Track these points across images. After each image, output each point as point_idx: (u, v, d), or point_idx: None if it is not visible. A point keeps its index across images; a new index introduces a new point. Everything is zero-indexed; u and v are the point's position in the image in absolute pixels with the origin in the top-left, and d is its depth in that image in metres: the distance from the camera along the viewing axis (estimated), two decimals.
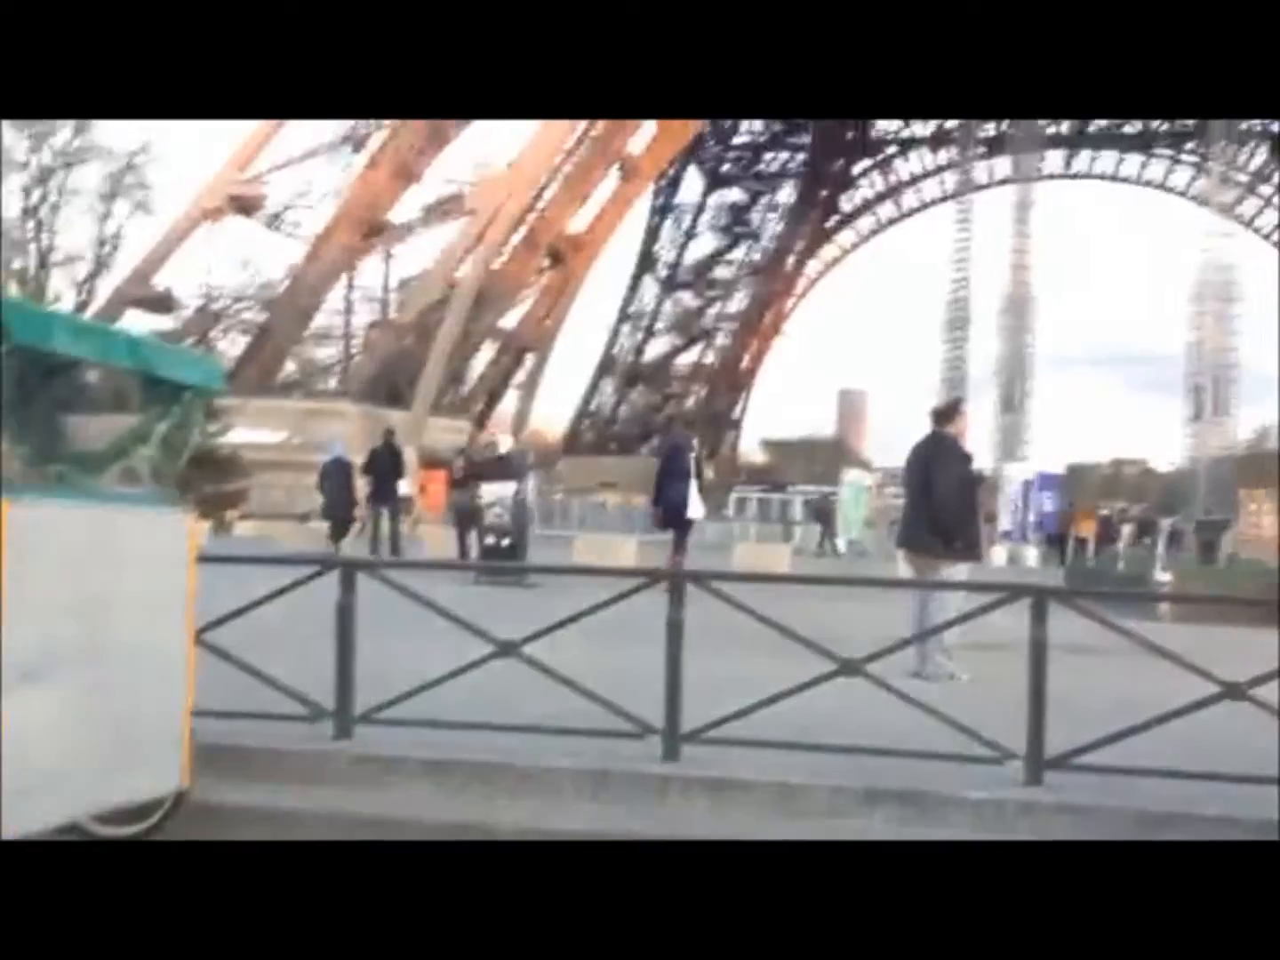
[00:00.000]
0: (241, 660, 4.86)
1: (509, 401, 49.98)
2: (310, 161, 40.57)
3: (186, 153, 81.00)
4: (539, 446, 66.47)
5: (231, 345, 41.59)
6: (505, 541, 13.75)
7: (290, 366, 41.96)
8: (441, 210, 40.02)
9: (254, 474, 29.19)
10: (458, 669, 4.91)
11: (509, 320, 45.42)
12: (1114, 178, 68.70)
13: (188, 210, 41.12)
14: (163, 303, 40.94)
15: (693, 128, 51.89)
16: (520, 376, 49.05)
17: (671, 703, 4.70)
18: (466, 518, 14.56)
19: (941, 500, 7.27)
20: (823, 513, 30.55)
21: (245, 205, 40.89)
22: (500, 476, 14.34)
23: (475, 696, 4.92)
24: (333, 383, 41.01)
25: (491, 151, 39.80)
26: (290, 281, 40.65)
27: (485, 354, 45.91)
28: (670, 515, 12.65)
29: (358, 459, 17.19)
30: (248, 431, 30.53)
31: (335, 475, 16.26)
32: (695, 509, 12.62)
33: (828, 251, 70.20)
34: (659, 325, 65.55)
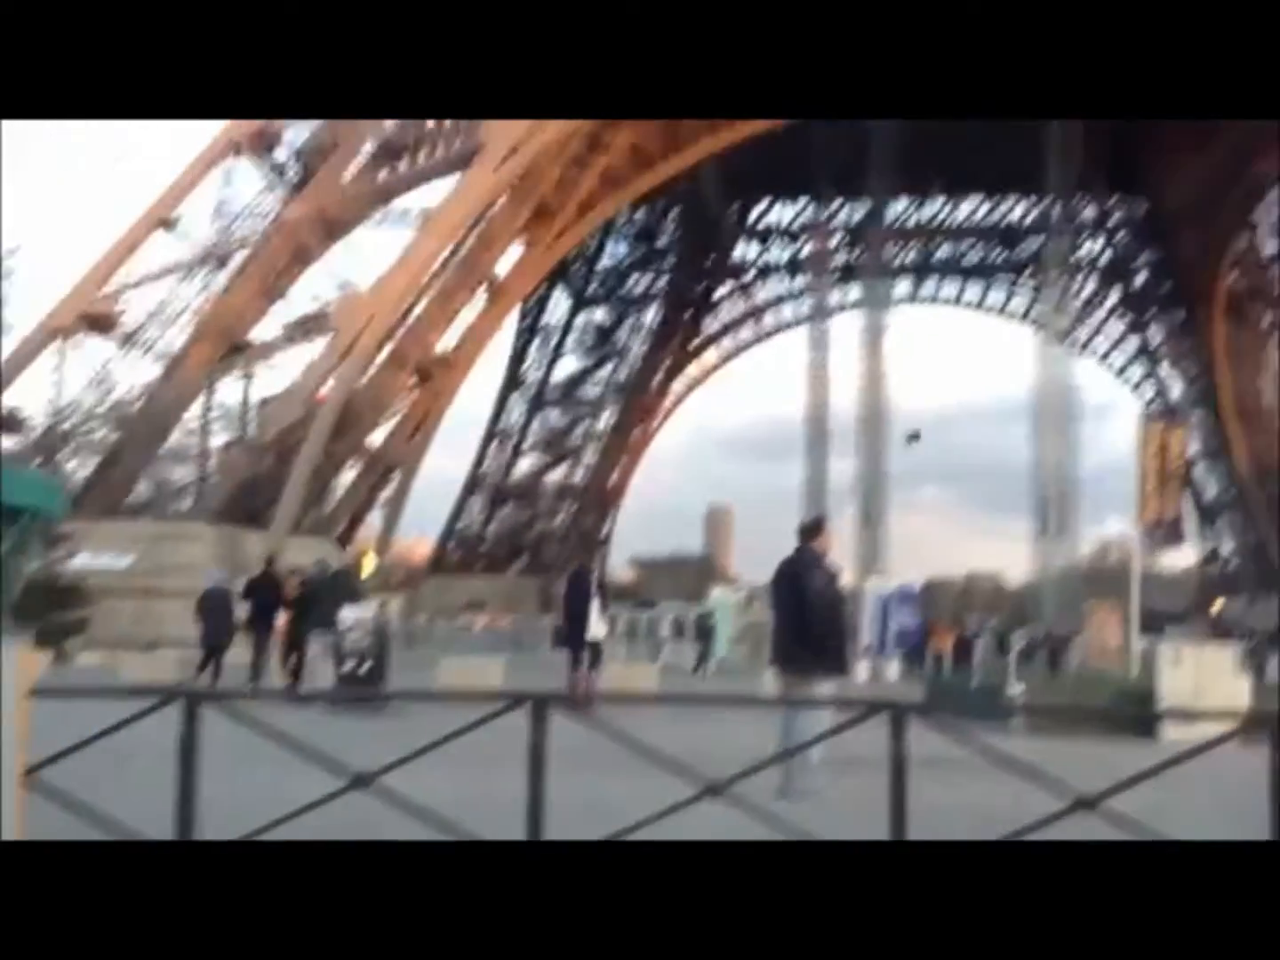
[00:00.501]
0: (75, 799, 4.58)
1: (373, 521, 49.22)
2: (170, 278, 39.99)
3: (39, 270, 79.19)
4: (404, 567, 65.36)
5: (81, 466, 40.14)
6: (364, 666, 13.37)
7: (142, 488, 40.64)
8: (304, 329, 39.77)
9: (99, 600, 27.91)
10: (307, 804, 4.72)
11: (375, 438, 45.05)
12: (958, 302, 72.58)
13: (38, 327, 39.95)
14: (8, 423, 39.40)
15: (559, 251, 53.00)
16: (385, 495, 48.45)
17: (532, 830, 4.59)
18: (299, 639, 14.41)
19: (811, 615, 7.38)
20: (703, 631, 30.62)
21: (99, 323, 39.95)
22: (331, 596, 14.14)
23: (326, 830, 4.73)
24: (186, 504, 39.80)
25: (357, 270, 39.92)
26: (145, 400, 39.64)
27: (349, 473, 45.33)
28: (574, 637, 13.50)
29: (202, 581, 16.76)
30: (93, 556, 29.29)
31: (214, 603, 15.76)
32: (597, 630, 13.58)
33: (692, 370, 71.99)
34: (527, 443, 65.80)
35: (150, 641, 24.35)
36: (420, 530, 66.75)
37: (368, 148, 41.93)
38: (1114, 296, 69.01)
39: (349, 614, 13.70)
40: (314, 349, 39.32)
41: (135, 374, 40.05)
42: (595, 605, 13.58)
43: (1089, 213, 67.72)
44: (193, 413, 40.49)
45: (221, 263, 40.61)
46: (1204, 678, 13.12)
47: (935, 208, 70.08)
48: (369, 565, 43.96)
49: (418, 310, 44.31)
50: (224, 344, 39.86)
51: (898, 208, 67.96)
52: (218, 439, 40.83)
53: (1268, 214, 59.40)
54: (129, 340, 40.00)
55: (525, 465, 65.71)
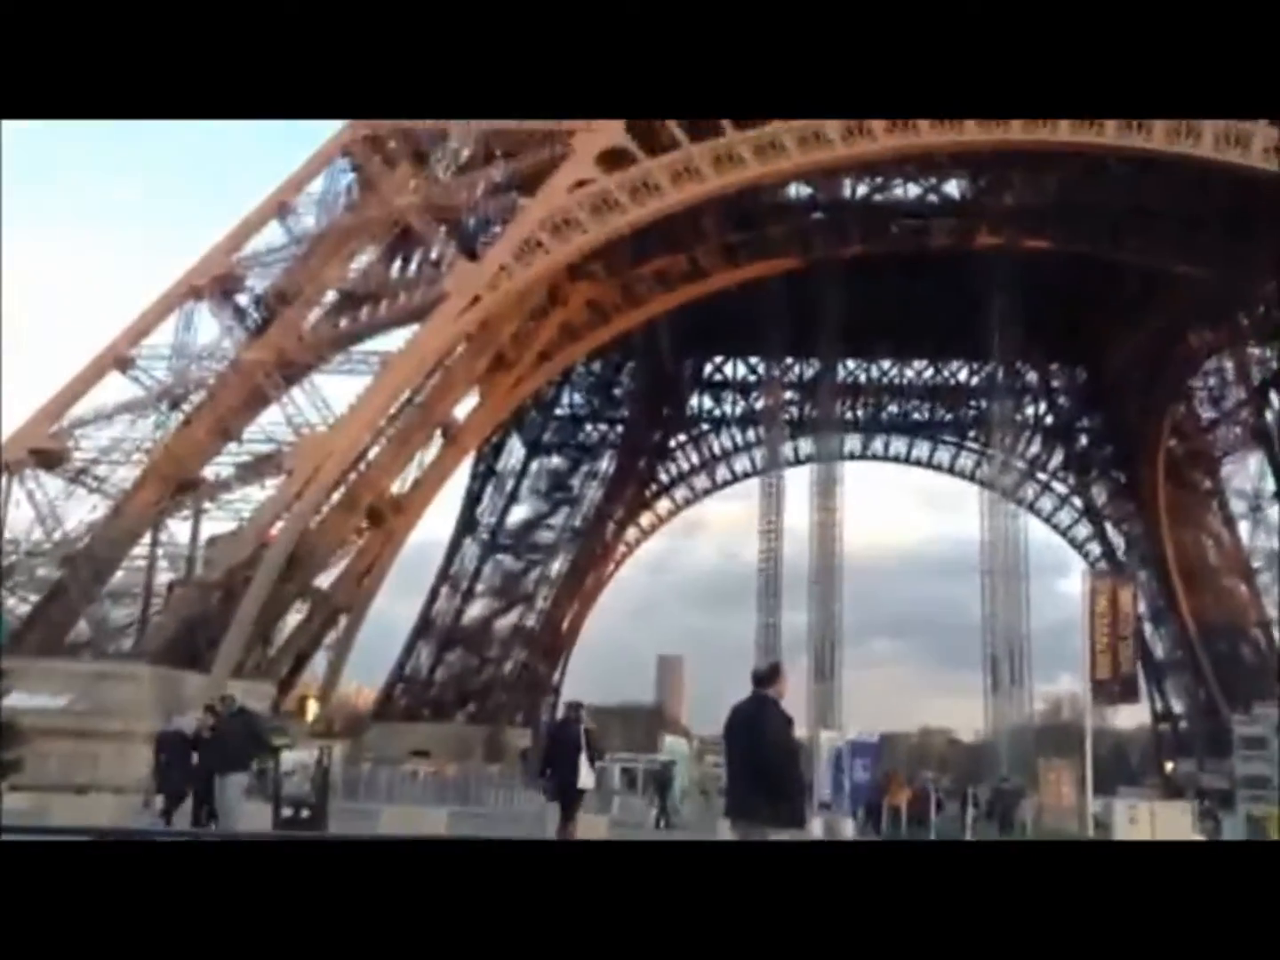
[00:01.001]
0: None
1: (319, 664, 48.20)
2: (124, 417, 39.89)
3: None
4: (348, 712, 63.65)
5: (21, 603, 39.17)
6: (304, 813, 12.92)
7: (83, 626, 39.65)
8: (257, 469, 39.63)
9: (32, 741, 26.91)
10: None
11: (324, 580, 44.45)
12: (907, 460, 73.91)
13: None
14: None
15: (515, 399, 53.62)
16: (332, 638, 47.57)
17: None
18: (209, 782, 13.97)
19: (766, 762, 7.22)
20: (661, 782, 29.91)
21: (49, 458, 39.60)
22: (237, 736, 13.74)
23: None
24: (127, 644, 38.82)
25: (313, 413, 40.05)
26: (90, 537, 39.03)
27: (296, 615, 44.56)
28: (560, 786, 13.18)
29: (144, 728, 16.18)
30: (28, 695, 28.35)
31: (174, 749, 15.21)
32: (586, 779, 13.32)
33: (646, 519, 72.26)
34: (479, 587, 65.16)
35: (83, 785, 23.40)
36: (367, 674, 65.39)
37: (330, 295, 42.62)
38: (1058, 457, 70.72)
39: (290, 758, 13.32)
40: (266, 490, 39.14)
41: (83, 511, 39.55)
42: (584, 755, 13.22)
43: (1031, 377, 69.87)
44: (139, 550, 39.86)
45: (176, 403, 40.63)
46: (1160, 836, 12.97)
47: (883, 368, 71.99)
48: (312, 710, 42.83)
49: (373, 453, 44.37)
50: (174, 482, 39.57)
51: (848, 366, 69.77)
52: (164, 577, 40.13)
53: (1203, 382, 61.65)
54: (78, 477, 39.62)
55: (477, 610, 64.95)
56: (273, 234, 42.57)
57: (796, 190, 52.23)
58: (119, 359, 40.36)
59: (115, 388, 40.28)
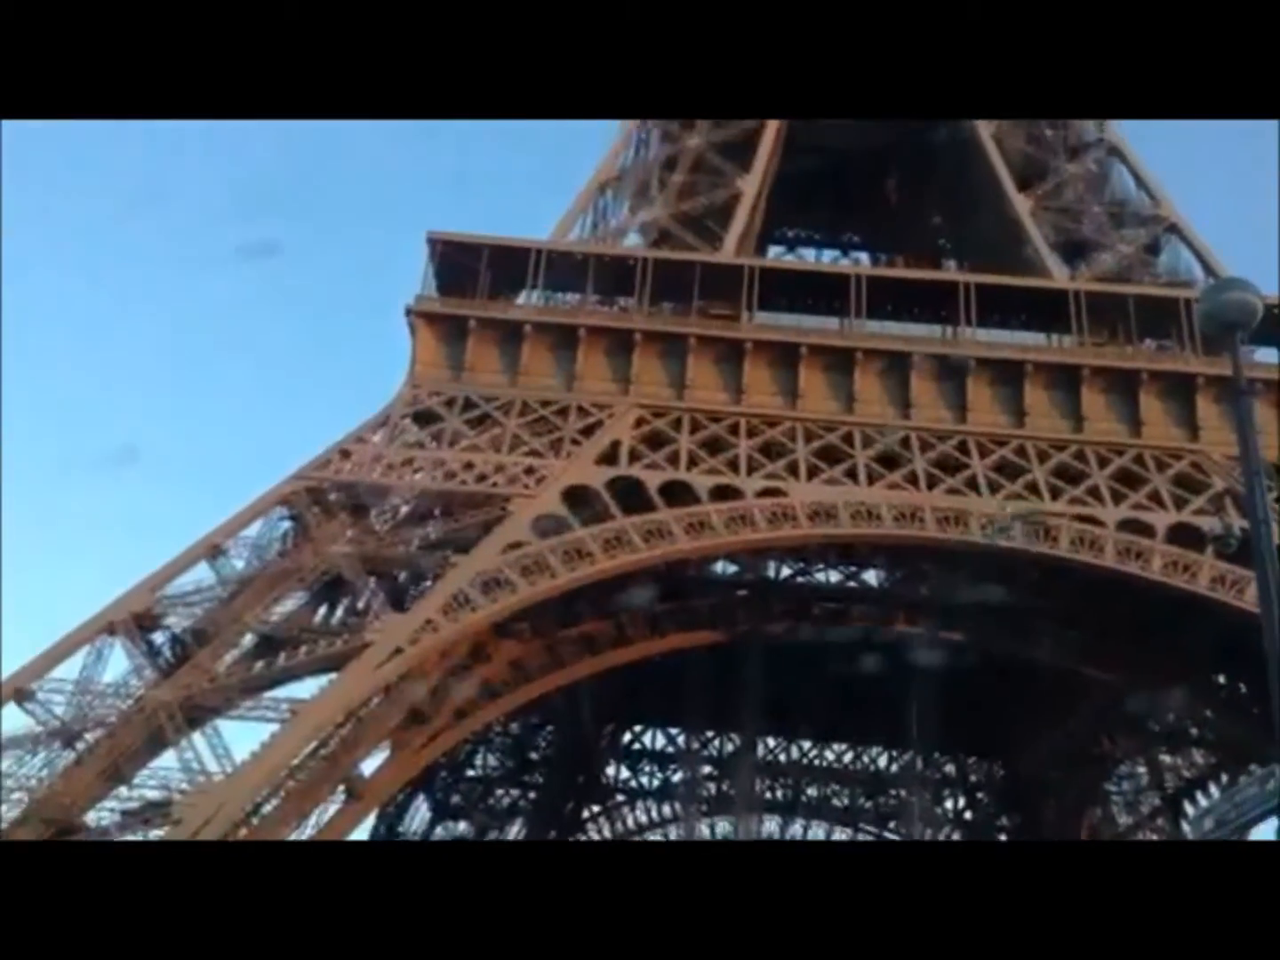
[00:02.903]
0: None
1: None
2: (13, 752, 37.82)
3: None
4: None
5: None
6: None
7: None
8: (143, 816, 37.28)
9: None
10: None
11: None
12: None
13: None
14: None
15: (426, 757, 51.88)
16: None
17: None
18: None
19: None
20: None
21: None
22: None
23: None
24: None
25: (212, 761, 38.29)
26: None
27: None
28: None
29: None
30: None
31: None
32: None
33: None
34: None
35: None
36: None
37: (249, 638, 42.02)
38: None
39: None
40: (151, 838, 36.67)
41: None
42: None
43: (950, 769, 69.59)
44: None
45: (70, 741, 38.75)
46: None
47: (804, 749, 71.38)
48: None
49: (270, 805, 42.13)
50: (55, 826, 36.96)
51: (768, 744, 69.13)
52: None
53: (1118, 786, 61.71)
54: None
55: None
56: (201, 574, 42.49)
57: (723, 567, 53.85)
58: (18, 691, 38.79)
59: (9, 719, 38.53)
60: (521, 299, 48.97)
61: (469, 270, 47.64)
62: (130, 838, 36.74)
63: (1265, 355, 46.69)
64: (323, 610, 44.03)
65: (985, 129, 55.69)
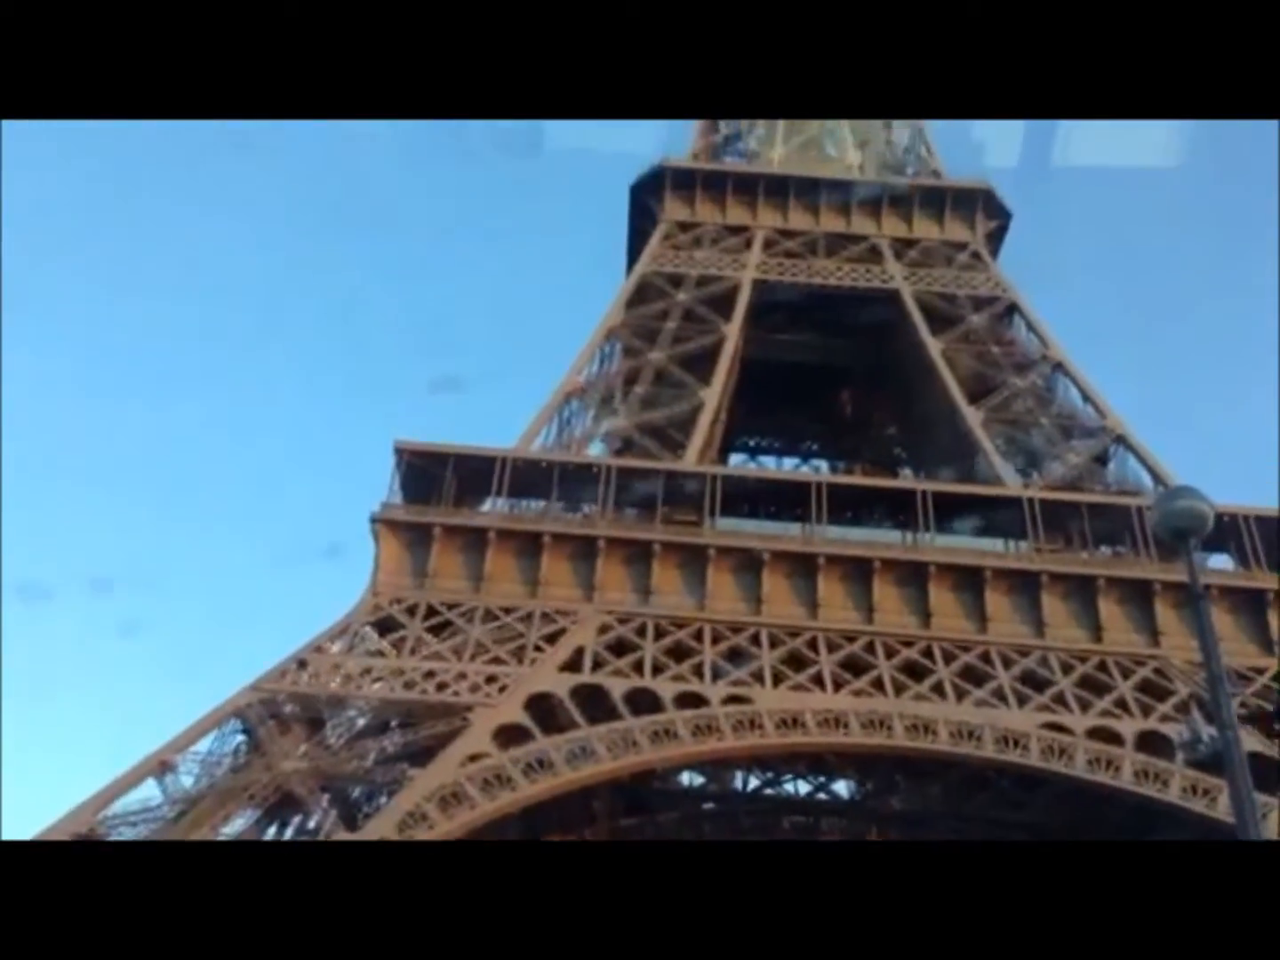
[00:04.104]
0: None
1: None
2: None
3: None
4: None
5: None
6: None
7: None
8: None
9: None
10: None
11: None
12: None
13: None
14: None
15: None
16: None
17: None
18: None
19: None
20: None
21: None
22: None
23: None
24: None
25: None
26: None
27: None
28: None
29: None
30: None
31: None
32: None
33: None
34: None
35: None
36: None
37: None
38: None
39: None
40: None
41: None
42: None
43: None
44: None
45: None
46: None
47: None
48: None
49: None
50: None
51: None
52: None
53: None
54: None
55: None
56: (149, 791, 40.85)
57: (690, 778, 52.53)
58: None
59: None
60: (486, 506, 49.36)
61: (435, 478, 48.14)
62: None
63: (1218, 562, 47.62)
64: (272, 830, 42.25)
65: (934, 347, 58.06)
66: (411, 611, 44.82)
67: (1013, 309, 61.72)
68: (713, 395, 54.93)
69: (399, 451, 48.43)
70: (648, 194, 66.93)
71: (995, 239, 66.92)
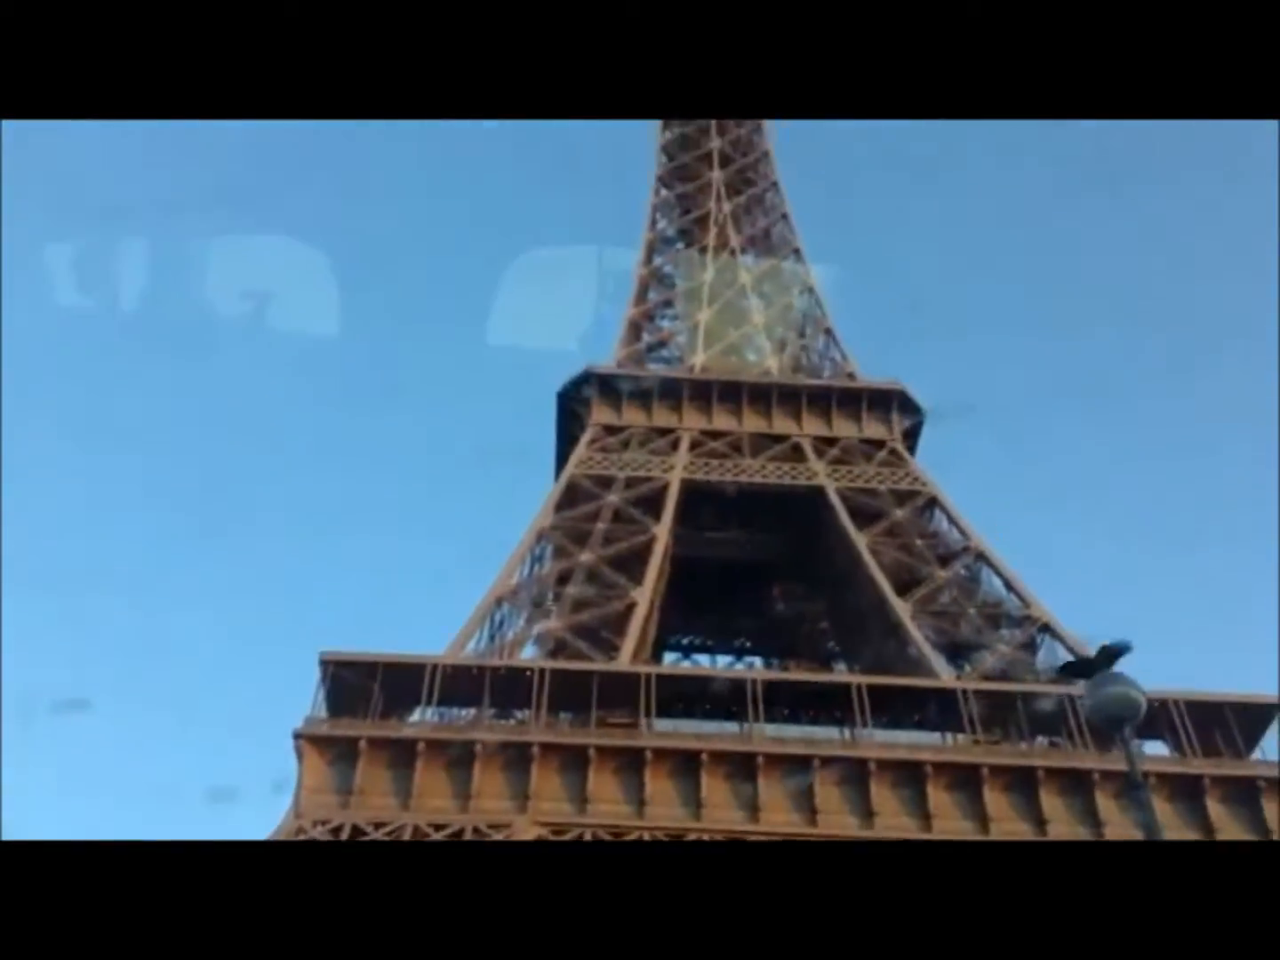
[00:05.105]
0: None
1: None
2: None
3: None
4: None
5: None
6: None
7: None
8: None
9: None
10: None
11: None
12: None
13: None
14: None
15: None
16: None
17: None
18: None
19: None
20: None
21: None
22: None
23: None
24: None
25: None
26: None
27: None
28: None
29: None
30: None
31: None
32: None
33: None
34: None
35: None
36: None
37: None
38: None
39: None
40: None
41: None
42: None
43: None
44: None
45: None
46: None
47: None
48: None
49: None
50: None
51: None
52: None
53: None
54: None
55: None
56: None
57: None
58: None
59: None
60: (416, 715, 48.05)
61: (361, 689, 46.92)
62: None
63: (1153, 748, 47.71)
64: None
65: (861, 541, 59.08)
66: (336, 833, 42.87)
67: (933, 502, 63.33)
68: (645, 594, 54.93)
69: (324, 663, 47.30)
70: (574, 399, 68.52)
71: (911, 435, 69.23)
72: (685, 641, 74.27)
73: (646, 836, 43.24)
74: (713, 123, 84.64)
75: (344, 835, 42.61)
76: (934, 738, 49.05)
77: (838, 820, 44.87)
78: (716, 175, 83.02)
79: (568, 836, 43.15)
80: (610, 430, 66.79)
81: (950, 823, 44.99)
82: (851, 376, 71.69)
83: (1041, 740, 49.50)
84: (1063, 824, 45.21)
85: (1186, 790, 45.55)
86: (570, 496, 61.86)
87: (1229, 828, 44.13)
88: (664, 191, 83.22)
